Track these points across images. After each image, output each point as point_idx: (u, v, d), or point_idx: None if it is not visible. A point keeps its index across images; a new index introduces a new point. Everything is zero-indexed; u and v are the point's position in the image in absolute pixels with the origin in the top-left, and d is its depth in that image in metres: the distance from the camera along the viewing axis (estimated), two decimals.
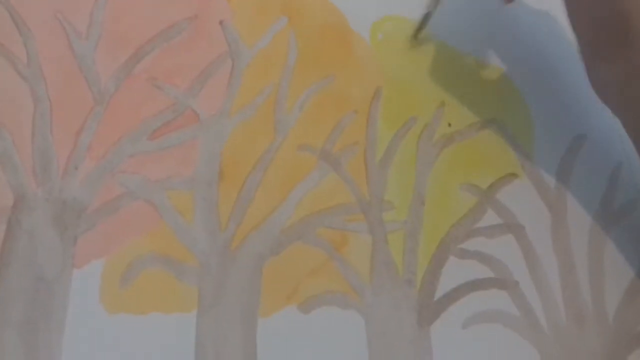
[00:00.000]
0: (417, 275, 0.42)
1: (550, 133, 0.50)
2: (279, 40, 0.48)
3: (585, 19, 0.44)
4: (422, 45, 0.51)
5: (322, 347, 0.39)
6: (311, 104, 0.46)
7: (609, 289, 0.46)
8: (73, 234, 0.38)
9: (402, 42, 0.51)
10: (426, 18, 0.50)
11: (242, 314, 0.38)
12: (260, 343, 0.38)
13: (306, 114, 0.46)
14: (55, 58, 0.43)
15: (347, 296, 0.41)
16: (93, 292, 0.36)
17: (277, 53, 0.47)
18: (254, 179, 0.42)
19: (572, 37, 0.46)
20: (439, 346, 0.41)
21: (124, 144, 0.41)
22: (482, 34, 0.53)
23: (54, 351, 0.35)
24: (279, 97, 0.46)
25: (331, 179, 0.44)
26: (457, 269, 0.43)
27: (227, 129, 0.43)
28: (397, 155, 0.46)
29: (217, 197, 0.41)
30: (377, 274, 0.42)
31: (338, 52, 0.49)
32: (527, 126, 0.50)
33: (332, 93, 0.47)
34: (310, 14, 0.50)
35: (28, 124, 0.40)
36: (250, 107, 0.45)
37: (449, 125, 0.48)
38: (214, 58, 0.46)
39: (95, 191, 0.39)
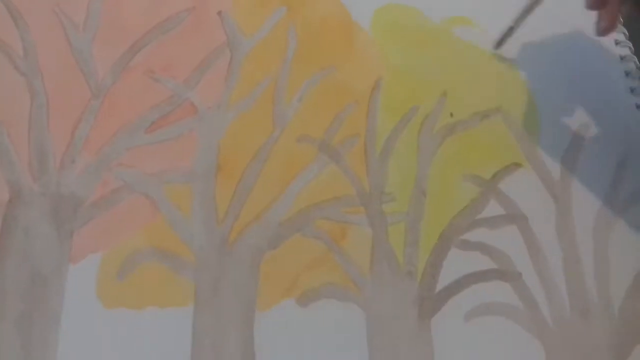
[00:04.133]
0: (418, 268, 0.42)
1: (556, 122, 0.49)
2: (279, 31, 0.48)
3: None
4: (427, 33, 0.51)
5: (321, 341, 0.38)
6: (311, 95, 0.46)
7: (614, 280, 0.45)
8: (70, 229, 0.38)
9: (403, 31, 0.50)
10: (509, 33, 0.50)
11: (239, 308, 0.38)
12: (258, 337, 0.37)
13: (306, 106, 0.45)
14: (52, 51, 0.43)
15: (347, 289, 0.40)
16: (89, 286, 0.36)
17: (276, 44, 0.47)
18: (252, 171, 0.42)
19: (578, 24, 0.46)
20: (440, 339, 0.40)
21: (121, 137, 0.41)
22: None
23: (50, 345, 0.34)
24: (278, 89, 0.45)
25: (331, 170, 0.43)
26: (458, 261, 0.43)
27: (225, 121, 0.43)
28: (398, 146, 0.45)
29: (214, 190, 0.41)
30: (377, 267, 0.41)
31: (338, 42, 0.48)
32: (532, 115, 0.49)
33: (332, 84, 0.46)
34: (310, 3, 0.49)
35: (24, 117, 0.40)
36: (249, 99, 0.44)
37: (451, 115, 0.48)
38: (212, 49, 0.45)
39: (92, 185, 0.39)
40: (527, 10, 0.48)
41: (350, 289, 0.40)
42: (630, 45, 0.54)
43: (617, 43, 0.54)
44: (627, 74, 0.53)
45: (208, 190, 0.41)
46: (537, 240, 0.45)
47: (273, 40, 0.47)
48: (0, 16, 0.43)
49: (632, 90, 0.52)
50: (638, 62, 0.54)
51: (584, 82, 0.51)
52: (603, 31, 0.46)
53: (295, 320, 0.38)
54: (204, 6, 0.47)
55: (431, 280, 0.42)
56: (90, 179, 0.39)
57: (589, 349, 0.42)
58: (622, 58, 0.54)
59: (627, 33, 0.55)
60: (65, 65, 0.42)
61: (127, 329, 0.36)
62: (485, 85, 0.49)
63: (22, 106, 0.40)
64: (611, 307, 0.44)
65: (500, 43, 0.50)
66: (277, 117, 0.44)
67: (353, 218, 0.42)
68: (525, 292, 0.43)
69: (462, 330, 0.41)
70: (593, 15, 0.45)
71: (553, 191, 0.47)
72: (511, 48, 0.51)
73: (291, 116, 0.44)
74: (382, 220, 0.43)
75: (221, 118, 0.43)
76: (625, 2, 0.45)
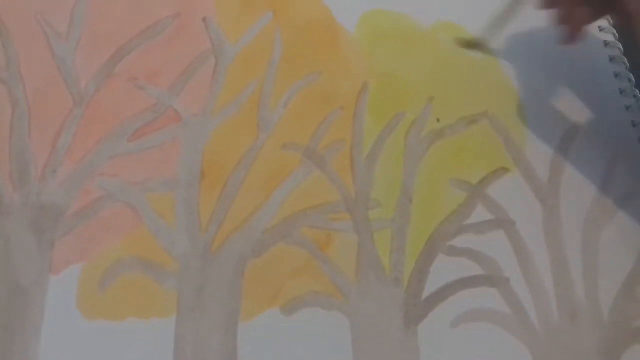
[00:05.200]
0: (404, 274, 0.42)
1: (544, 125, 0.49)
2: (264, 36, 0.47)
3: None
4: (414, 37, 0.50)
5: (306, 350, 0.38)
6: (296, 100, 0.45)
7: (603, 284, 0.45)
8: (50, 239, 0.37)
9: (390, 35, 0.50)
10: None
11: (222, 317, 0.38)
12: (241, 347, 0.37)
13: (291, 111, 0.45)
14: (34, 60, 0.42)
15: (332, 297, 0.40)
16: (70, 297, 0.36)
17: (261, 49, 0.47)
18: (236, 178, 0.42)
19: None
20: (427, 346, 0.40)
21: (104, 146, 0.41)
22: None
23: (30, 358, 0.34)
24: (262, 95, 0.45)
25: (316, 177, 0.43)
26: (445, 267, 0.42)
27: (209, 128, 0.43)
28: (384, 151, 0.45)
29: (198, 198, 0.40)
30: (363, 274, 0.41)
31: (324, 47, 0.48)
32: (519, 119, 0.49)
33: (317, 89, 0.46)
34: (296, 8, 0.49)
35: (5, 127, 0.40)
36: (233, 105, 0.44)
37: (438, 120, 0.47)
38: (196, 56, 0.45)
39: (73, 195, 0.39)
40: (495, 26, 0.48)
41: (335, 297, 0.40)
42: (620, 46, 0.54)
43: (606, 44, 0.54)
44: (616, 75, 0.53)
45: (191, 198, 0.40)
46: (525, 244, 0.44)
47: (258, 45, 0.47)
48: None
49: (621, 91, 0.52)
50: (627, 63, 0.53)
51: (573, 83, 0.51)
52: (566, 40, 0.45)
53: (279, 330, 0.38)
54: (188, 12, 0.47)
55: (418, 287, 0.42)
56: (72, 189, 0.39)
57: (578, 354, 0.42)
58: (611, 59, 0.53)
59: (616, 34, 0.55)
60: (48, 73, 0.42)
61: (108, 340, 0.35)
62: (472, 90, 0.49)
63: (3, 115, 0.40)
64: (600, 311, 0.43)
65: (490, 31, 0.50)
66: (262, 123, 0.44)
67: (338, 224, 0.42)
68: (513, 298, 0.43)
69: (449, 337, 0.41)
70: None
71: (541, 195, 0.46)
72: (499, 50, 0.51)
73: (276, 122, 0.44)
74: (367, 226, 0.42)
75: (205, 125, 0.43)
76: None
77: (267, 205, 0.41)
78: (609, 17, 0.54)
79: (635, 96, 0.52)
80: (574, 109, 0.50)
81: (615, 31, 0.55)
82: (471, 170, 0.46)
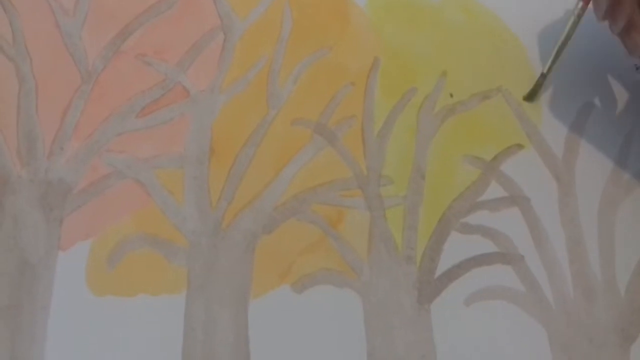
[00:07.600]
0: (417, 252, 0.41)
1: (559, 101, 0.48)
2: (273, 12, 0.47)
3: None
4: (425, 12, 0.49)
5: (317, 328, 0.38)
6: (306, 76, 0.45)
7: (620, 261, 0.44)
8: (59, 216, 0.37)
9: (401, 10, 0.49)
10: (540, 81, 0.47)
11: (232, 294, 0.37)
12: (252, 324, 0.37)
13: (301, 87, 0.44)
14: (41, 36, 0.42)
15: (344, 274, 0.39)
16: (79, 274, 0.36)
17: (271, 25, 0.46)
18: (246, 155, 0.41)
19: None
20: (440, 324, 0.39)
21: (112, 123, 0.40)
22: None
23: (40, 334, 0.34)
24: (272, 70, 0.44)
25: (327, 153, 0.42)
26: (459, 244, 0.42)
27: (218, 104, 0.42)
28: (396, 127, 0.44)
29: (207, 174, 0.40)
30: (375, 251, 0.40)
31: (334, 23, 0.47)
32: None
33: (328, 65, 0.45)
34: None
35: (13, 104, 0.39)
36: (242, 81, 0.43)
37: (451, 95, 0.46)
38: (205, 32, 0.45)
39: (81, 171, 0.38)
40: (557, 56, 0.46)
41: (347, 274, 0.39)
42: None
43: None
44: None
45: (201, 174, 0.40)
46: (540, 222, 0.44)
47: (267, 21, 0.46)
48: None
49: (637, 67, 0.51)
50: None
51: (588, 59, 0.50)
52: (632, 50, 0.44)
53: (290, 307, 0.38)
54: None
55: (431, 265, 0.41)
56: (80, 165, 0.38)
57: (594, 332, 0.41)
58: None
59: None
60: (55, 50, 0.42)
61: (118, 316, 0.35)
62: (485, 65, 0.48)
63: (11, 92, 0.40)
64: (617, 288, 0.43)
65: (532, 96, 0.48)
66: (272, 100, 0.43)
67: (350, 201, 0.41)
68: (528, 275, 0.42)
69: (462, 315, 0.40)
70: None
71: (556, 172, 0.45)
72: (515, 24, 0.50)
73: (286, 98, 0.43)
74: (379, 203, 0.42)
75: (214, 101, 0.42)
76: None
77: (277, 181, 0.41)
78: None
79: None
80: (589, 85, 0.49)
81: None
82: (485, 147, 0.45)
